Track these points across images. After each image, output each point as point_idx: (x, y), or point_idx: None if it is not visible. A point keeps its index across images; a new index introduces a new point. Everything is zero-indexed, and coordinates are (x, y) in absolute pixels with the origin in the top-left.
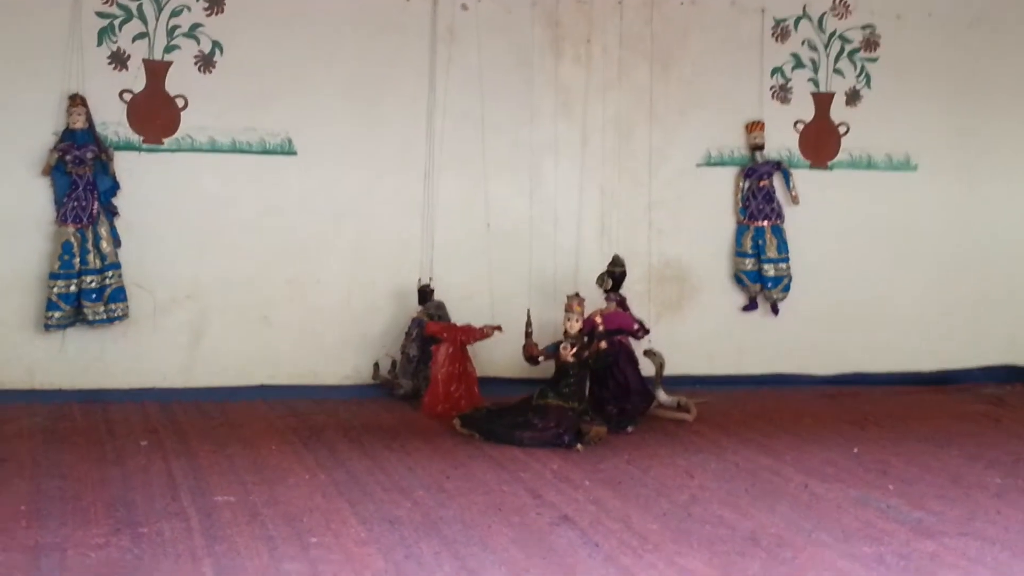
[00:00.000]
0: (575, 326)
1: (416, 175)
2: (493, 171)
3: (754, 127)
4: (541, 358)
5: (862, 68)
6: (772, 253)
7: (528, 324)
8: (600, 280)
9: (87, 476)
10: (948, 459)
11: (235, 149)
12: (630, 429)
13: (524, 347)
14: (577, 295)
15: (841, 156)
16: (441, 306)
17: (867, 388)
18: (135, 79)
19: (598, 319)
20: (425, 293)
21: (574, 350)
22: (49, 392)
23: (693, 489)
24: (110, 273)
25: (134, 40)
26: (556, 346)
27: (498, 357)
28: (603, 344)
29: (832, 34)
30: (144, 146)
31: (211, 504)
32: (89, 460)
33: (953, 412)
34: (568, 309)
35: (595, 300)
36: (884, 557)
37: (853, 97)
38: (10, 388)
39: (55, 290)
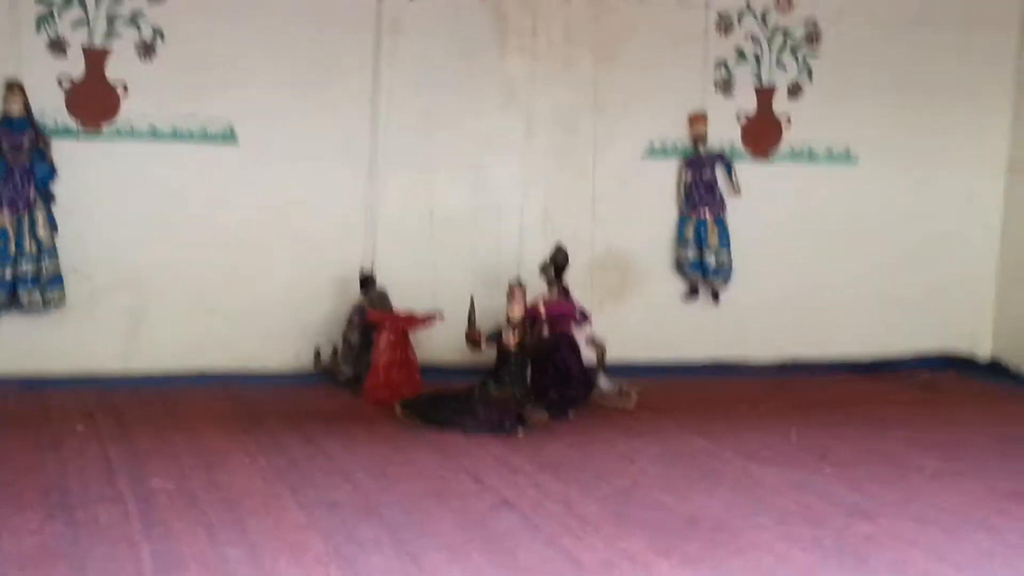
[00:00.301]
0: (517, 312)
1: (360, 165)
2: (437, 161)
3: (697, 119)
4: (483, 344)
5: (804, 62)
6: (714, 243)
7: (471, 311)
8: (543, 268)
9: (20, 462)
10: (885, 443)
11: (176, 137)
12: (571, 415)
13: (467, 334)
14: (519, 281)
15: (783, 149)
16: (383, 294)
17: (806, 376)
18: (74, 66)
19: (540, 307)
20: (367, 281)
21: (516, 337)
22: None
23: (633, 473)
24: (46, 260)
25: (74, 28)
26: (498, 333)
27: (440, 344)
28: (544, 331)
29: (775, 28)
30: (83, 133)
31: (148, 489)
32: (23, 446)
33: (890, 398)
34: (510, 296)
35: (538, 288)
36: (821, 540)
37: (795, 91)
38: None
39: None
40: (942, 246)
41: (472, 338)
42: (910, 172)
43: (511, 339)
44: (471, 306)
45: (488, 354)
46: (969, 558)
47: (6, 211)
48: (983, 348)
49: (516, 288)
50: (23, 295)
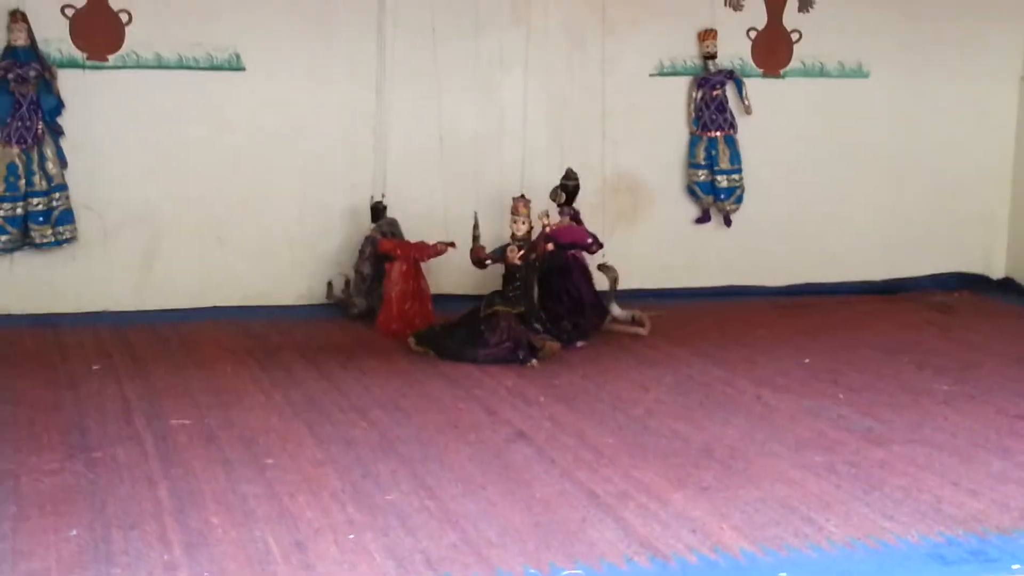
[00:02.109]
0: (521, 228)
1: (367, 89)
2: (445, 83)
3: (707, 35)
4: (488, 261)
5: None
6: (725, 164)
7: (476, 227)
8: (553, 194)
9: (39, 401)
10: (898, 367)
11: (182, 65)
12: (580, 344)
13: (471, 250)
14: (523, 196)
15: (794, 64)
16: (394, 223)
17: (819, 298)
18: None
19: (545, 220)
20: (378, 210)
21: (520, 252)
22: None
23: (648, 403)
24: (57, 195)
25: None
26: (503, 249)
27: (452, 274)
28: (549, 246)
29: None
30: (88, 63)
31: (166, 428)
32: (41, 385)
33: (902, 321)
34: (514, 211)
35: (542, 205)
36: (835, 466)
37: (805, 3)
38: None
39: (1, 213)
40: (955, 161)
41: (477, 255)
42: (922, 84)
43: (516, 255)
44: (475, 223)
45: (498, 278)
46: (982, 482)
47: (15, 146)
48: (997, 266)
49: (519, 202)
50: (35, 231)
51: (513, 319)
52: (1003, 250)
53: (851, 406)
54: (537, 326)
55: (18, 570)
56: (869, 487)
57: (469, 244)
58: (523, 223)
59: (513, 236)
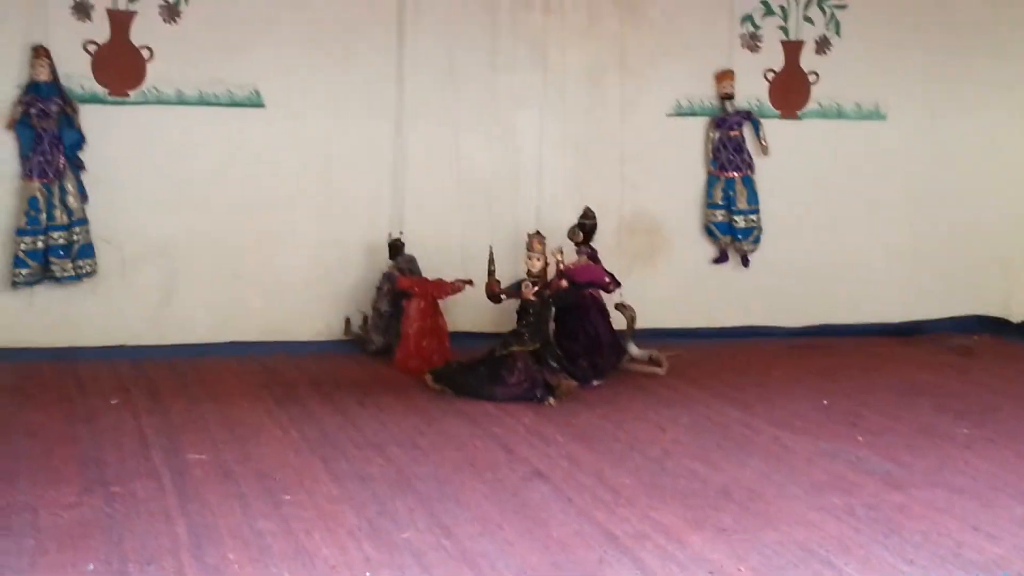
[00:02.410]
0: (536, 264)
1: (386, 127)
2: (463, 122)
3: (724, 76)
4: (503, 296)
5: (832, 15)
6: (742, 204)
7: (491, 262)
8: (571, 232)
9: (57, 435)
10: (917, 410)
11: (202, 101)
12: (597, 383)
13: (487, 284)
14: (538, 233)
15: (811, 105)
16: (412, 260)
17: (836, 340)
18: (99, 30)
19: (559, 256)
20: (396, 247)
21: (535, 288)
22: (17, 350)
23: (665, 443)
24: (77, 229)
25: None
26: (518, 285)
27: (470, 311)
28: (563, 283)
29: None
30: (110, 98)
31: (183, 462)
32: (59, 419)
33: (921, 363)
34: (529, 247)
35: (559, 243)
36: (854, 509)
37: (823, 45)
38: None
39: (22, 247)
40: (973, 203)
41: (491, 289)
42: (940, 126)
43: (531, 291)
44: (491, 257)
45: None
46: (1003, 527)
47: (36, 180)
48: (1017, 309)
49: (535, 239)
50: (55, 265)
51: (529, 358)
52: (1022, 293)
53: (869, 448)
54: (553, 363)
55: None
56: (888, 531)
57: (485, 279)
58: (538, 259)
59: (529, 272)
